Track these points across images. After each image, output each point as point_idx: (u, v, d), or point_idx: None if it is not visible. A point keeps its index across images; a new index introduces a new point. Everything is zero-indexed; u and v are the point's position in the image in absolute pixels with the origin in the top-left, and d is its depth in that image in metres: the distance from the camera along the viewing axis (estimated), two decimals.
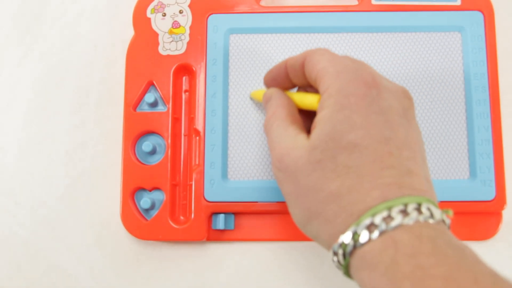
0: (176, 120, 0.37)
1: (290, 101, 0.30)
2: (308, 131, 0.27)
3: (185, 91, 0.38)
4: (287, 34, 0.37)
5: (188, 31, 0.37)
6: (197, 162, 0.36)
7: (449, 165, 0.36)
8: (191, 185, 0.36)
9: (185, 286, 0.37)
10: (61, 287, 0.37)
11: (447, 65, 0.37)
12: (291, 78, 0.30)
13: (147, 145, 0.36)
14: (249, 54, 0.37)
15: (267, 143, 0.29)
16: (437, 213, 0.23)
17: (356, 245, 0.23)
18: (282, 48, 0.37)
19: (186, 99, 0.38)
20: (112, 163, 0.38)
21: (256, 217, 0.37)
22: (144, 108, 0.37)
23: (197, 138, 0.37)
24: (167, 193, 0.36)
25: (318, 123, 0.25)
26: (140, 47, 0.38)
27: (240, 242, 0.37)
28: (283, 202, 0.35)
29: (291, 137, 0.27)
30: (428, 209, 0.23)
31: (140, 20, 0.38)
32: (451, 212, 0.24)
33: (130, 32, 0.38)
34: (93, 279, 0.37)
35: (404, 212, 0.22)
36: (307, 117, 0.30)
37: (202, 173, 0.36)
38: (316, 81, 0.27)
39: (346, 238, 0.23)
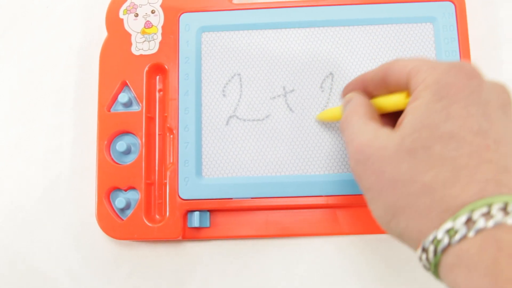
0: (150, 119, 0.37)
1: (370, 102, 0.29)
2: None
3: (159, 90, 0.38)
4: (259, 30, 0.37)
5: (160, 31, 0.38)
6: (171, 161, 0.36)
7: None
8: (166, 183, 0.36)
9: (163, 285, 0.36)
10: None
11: (420, 55, 0.36)
12: (370, 91, 0.30)
13: (121, 144, 0.36)
14: (222, 51, 0.37)
15: (345, 136, 0.27)
16: None
17: (451, 242, 0.21)
18: (255, 45, 0.37)
19: (160, 98, 0.38)
20: (89, 163, 0.38)
21: (232, 214, 0.36)
22: (118, 108, 0.37)
23: (171, 136, 0.37)
24: (142, 192, 0.36)
25: (410, 113, 0.24)
26: (113, 47, 0.38)
27: (216, 240, 0.37)
28: (258, 198, 0.35)
29: (373, 129, 0.26)
30: None
31: (113, 21, 0.38)
32: None
33: (104, 33, 0.38)
34: (72, 280, 0.37)
35: (504, 211, 0.21)
36: (387, 121, 0.29)
37: (176, 171, 0.36)
38: (408, 81, 0.26)
39: (440, 233, 0.22)
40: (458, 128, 0.23)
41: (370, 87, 0.30)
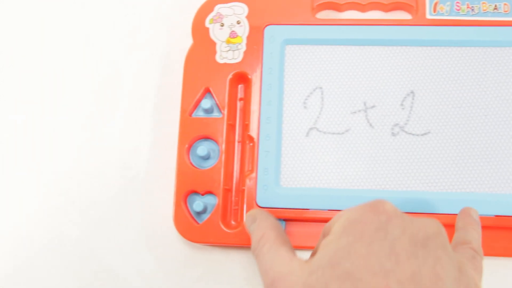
0: (231, 126, 0.38)
1: (277, 222, 0.30)
2: None
3: (240, 99, 0.39)
4: (342, 46, 0.38)
5: (245, 41, 0.39)
6: (249, 168, 0.37)
7: (505, 179, 0.35)
8: (244, 190, 0.36)
9: None
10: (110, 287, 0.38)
11: (504, 79, 0.37)
12: None
13: (202, 149, 0.37)
14: (304, 64, 0.38)
15: (258, 264, 0.28)
16: None
17: None
18: (337, 59, 0.38)
19: (241, 106, 0.39)
20: (166, 167, 0.39)
21: (307, 224, 0.37)
22: (200, 114, 0.38)
23: (251, 144, 0.37)
24: (219, 198, 0.36)
25: (321, 248, 0.25)
26: (198, 55, 0.39)
27: None
28: (334, 210, 0.35)
29: (286, 261, 0.26)
30: None
31: (199, 30, 0.39)
32: None
33: (187, 41, 0.39)
34: (142, 280, 0.38)
35: None
36: None
37: (255, 179, 0.36)
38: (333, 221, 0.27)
39: None
40: (356, 267, 0.22)
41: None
